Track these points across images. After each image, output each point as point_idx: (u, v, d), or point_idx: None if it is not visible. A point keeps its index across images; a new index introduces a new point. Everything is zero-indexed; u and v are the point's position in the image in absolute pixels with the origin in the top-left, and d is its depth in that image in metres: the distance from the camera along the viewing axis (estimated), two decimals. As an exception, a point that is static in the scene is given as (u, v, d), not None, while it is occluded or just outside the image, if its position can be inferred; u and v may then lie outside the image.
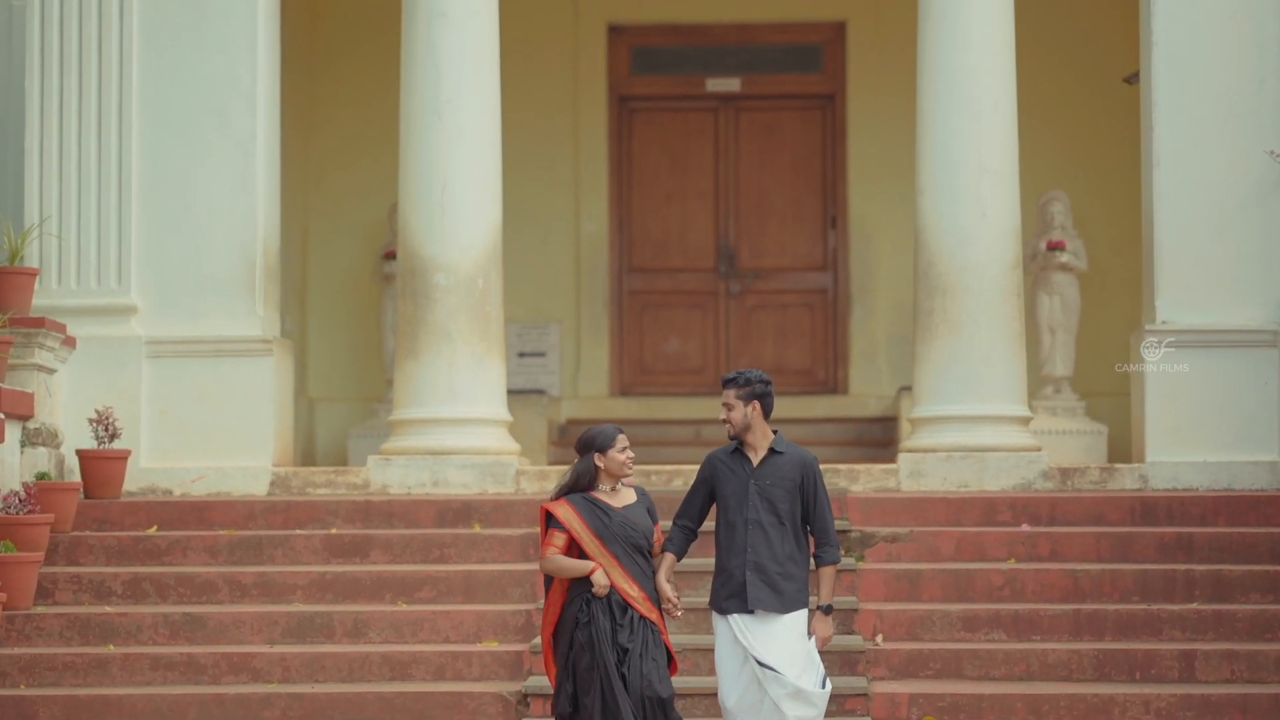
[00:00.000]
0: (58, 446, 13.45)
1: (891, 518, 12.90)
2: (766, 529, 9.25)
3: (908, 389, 15.23)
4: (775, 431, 9.42)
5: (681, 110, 17.93)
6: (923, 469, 13.65)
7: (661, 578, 9.36)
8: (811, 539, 9.41)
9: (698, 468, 13.58)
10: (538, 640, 11.64)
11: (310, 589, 12.36)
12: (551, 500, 9.43)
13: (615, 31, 17.86)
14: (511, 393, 14.87)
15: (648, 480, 13.63)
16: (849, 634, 11.76)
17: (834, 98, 17.77)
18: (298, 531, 12.89)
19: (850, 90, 17.66)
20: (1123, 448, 15.63)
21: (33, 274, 13.43)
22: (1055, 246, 16.11)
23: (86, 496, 13.31)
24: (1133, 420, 14.10)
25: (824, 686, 9.24)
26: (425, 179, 13.77)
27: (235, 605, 12.31)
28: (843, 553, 12.42)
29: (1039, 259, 16.18)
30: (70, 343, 13.62)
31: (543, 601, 9.66)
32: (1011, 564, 12.44)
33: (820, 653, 9.36)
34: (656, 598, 9.39)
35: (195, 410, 13.85)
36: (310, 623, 12.03)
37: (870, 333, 17.64)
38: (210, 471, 13.79)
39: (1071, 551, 12.55)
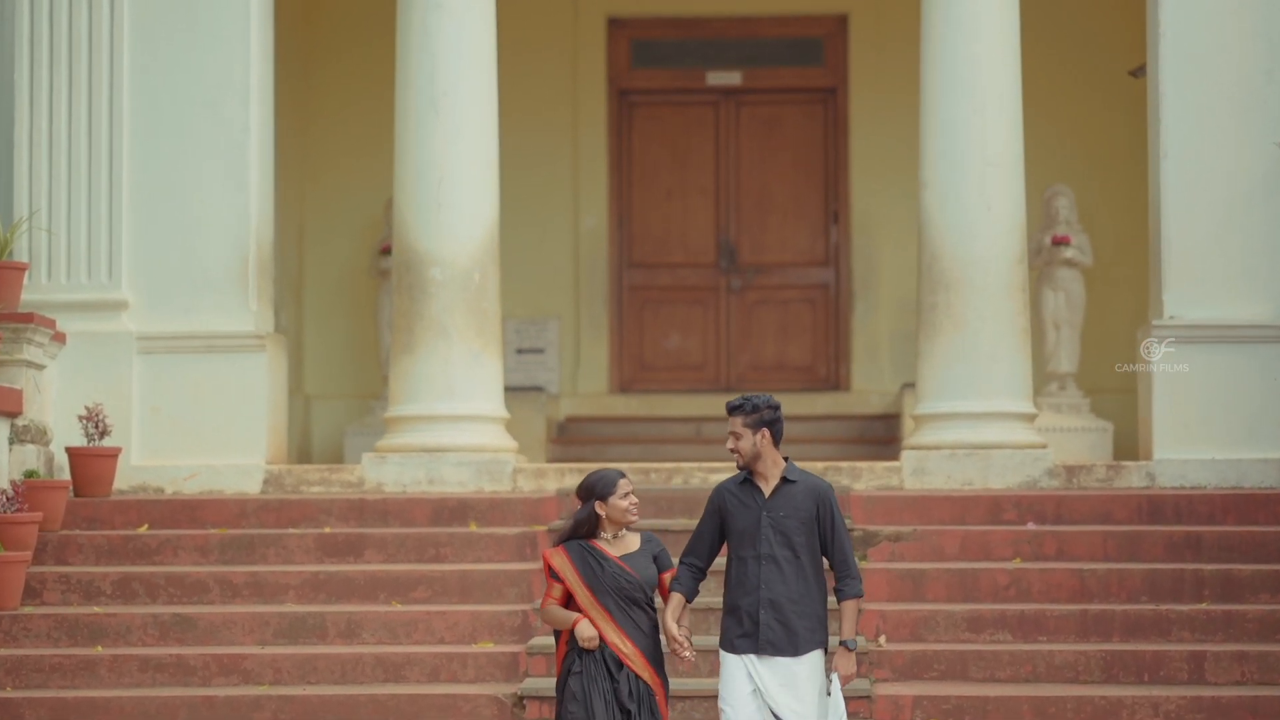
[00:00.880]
0: (47, 444, 13.32)
1: (895, 516, 12.77)
2: (781, 564, 8.77)
3: (910, 386, 15.13)
4: (786, 459, 8.94)
5: (682, 104, 17.83)
6: (926, 466, 13.51)
7: (669, 618, 8.85)
8: (830, 571, 8.93)
9: (696, 468, 13.72)
10: (534, 641, 11.52)
11: (303, 589, 12.22)
12: (552, 546, 9.08)
13: (615, 24, 17.77)
14: (510, 390, 14.75)
15: (647, 479, 13.51)
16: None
17: (836, 91, 17.66)
18: (290, 530, 12.77)
19: (852, 84, 17.56)
20: (1128, 445, 15.49)
21: (22, 268, 13.28)
22: (1060, 241, 16.02)
23: (76, 495, 13.19)
24: (1139, 417, 13.96)
25: None
26: (421, 172, 13.62)
27: (226, 605, 12.16)
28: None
29: (1043, 254, 16.08)
30: (60, 338, 13.50)
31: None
32: (1017, 563, 12.29)
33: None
34: (654, 654, 8.89)
35: (187, 407, 13.73)
36: (302, 623, 11.88)
37: (872, 329, 17.54)
38: (202, 469, 13.67)
39: (1078, 551, 12.40)
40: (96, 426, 13.17)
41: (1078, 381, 16.26)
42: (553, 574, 8.92)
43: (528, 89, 17.04)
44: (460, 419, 13.65)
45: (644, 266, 17.77)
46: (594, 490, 8.94)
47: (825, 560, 8.93)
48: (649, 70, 17.84)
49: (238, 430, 13.71)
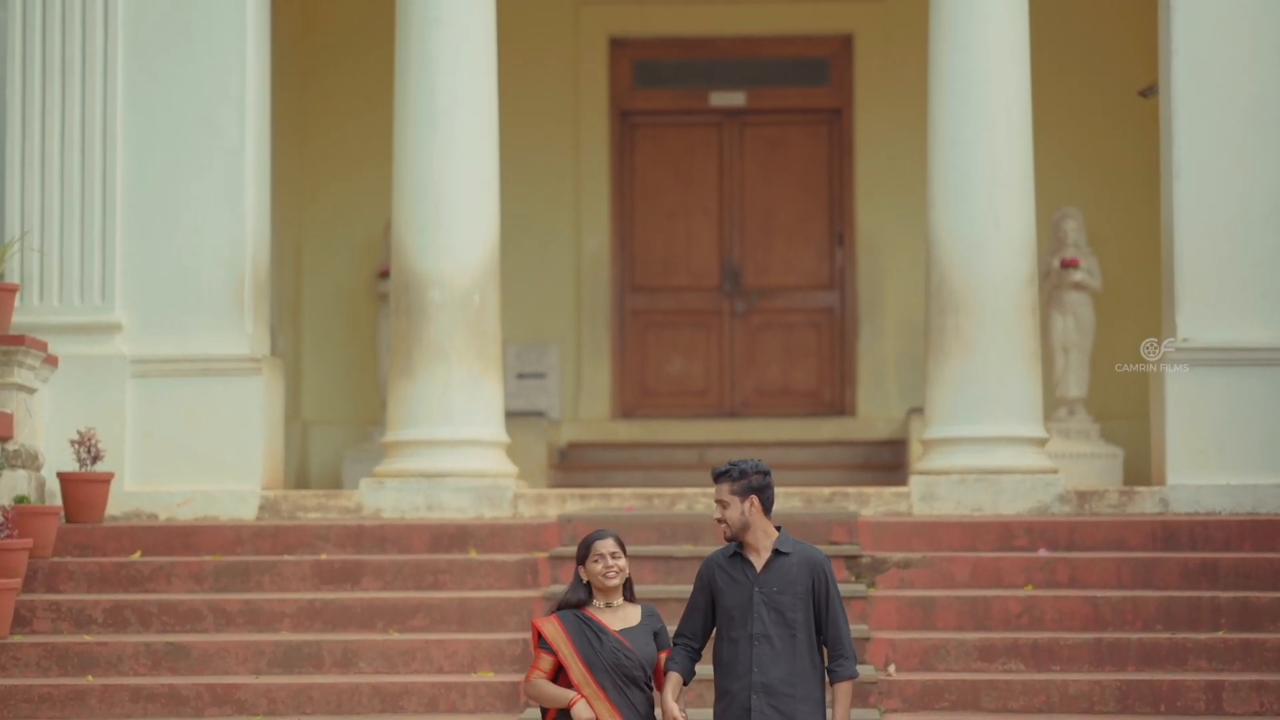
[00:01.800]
0: (38, 469, 13.13)
1: (904, 542, 12.56)
2: (775, 643, 8.08)
3: (917, 411, 15.00)
4: (779, 528, 8.24)
5: (685, 125, 17.69)
6: (935, 492, 13.29)
7: (668, 695, 8.16)
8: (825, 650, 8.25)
9: (700, 494, 13.52)
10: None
11: (298, 617, 12.00)
12: (544, 615, 8.50)
13: (617, 44, 17.64)
14: (510, 415, 14.56)
15: (649, 505, 13.33)
16: (860, 664, 11.36)
17: (841, 112, 17.52)
18: (286, 557, 12.56)
19: (858, 104, 17.41)
20: (1138, 472, 15.32)
21: (12, 290, 13.11)
22: (1069, 264, 15.86)
23: (68, 521, 12.99)
24: (1152, 441, 13.76)
25: None
26: (420, 190, 13.43)
27: (220, 634, 11.94)
28: (853, 579, 12.10)
29: (1052, 277, 15.92)
30: (52, 361, 13.31)
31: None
32: (1029, 591, 12.07)
33: None
34: None
35: (181, 431, 13.53)
36: (298, 652, 11.66)
37: (879, 353, 17.37)
38: (196, 495, 13.46)
39: (1091, 578, 12.19)
40: (89, 451, 12.98)
41: (1087, 407, 16.10)
42: (543, 644, 8.18)
43: (529, 108, 16.90)
44: (460, 444, 13.44)
45: (646, 289, 17.61)
46: (578, 554, 8.28)
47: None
48: (652, 91, 17.70)
49: (233, 455, 13.50)
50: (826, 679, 8.23)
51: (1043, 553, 12.42)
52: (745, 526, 8.17)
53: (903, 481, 14.22)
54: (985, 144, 13.34)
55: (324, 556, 12.58)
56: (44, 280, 13.54)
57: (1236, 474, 13.23)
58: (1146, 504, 13.27)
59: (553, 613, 8.30)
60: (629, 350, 17.58)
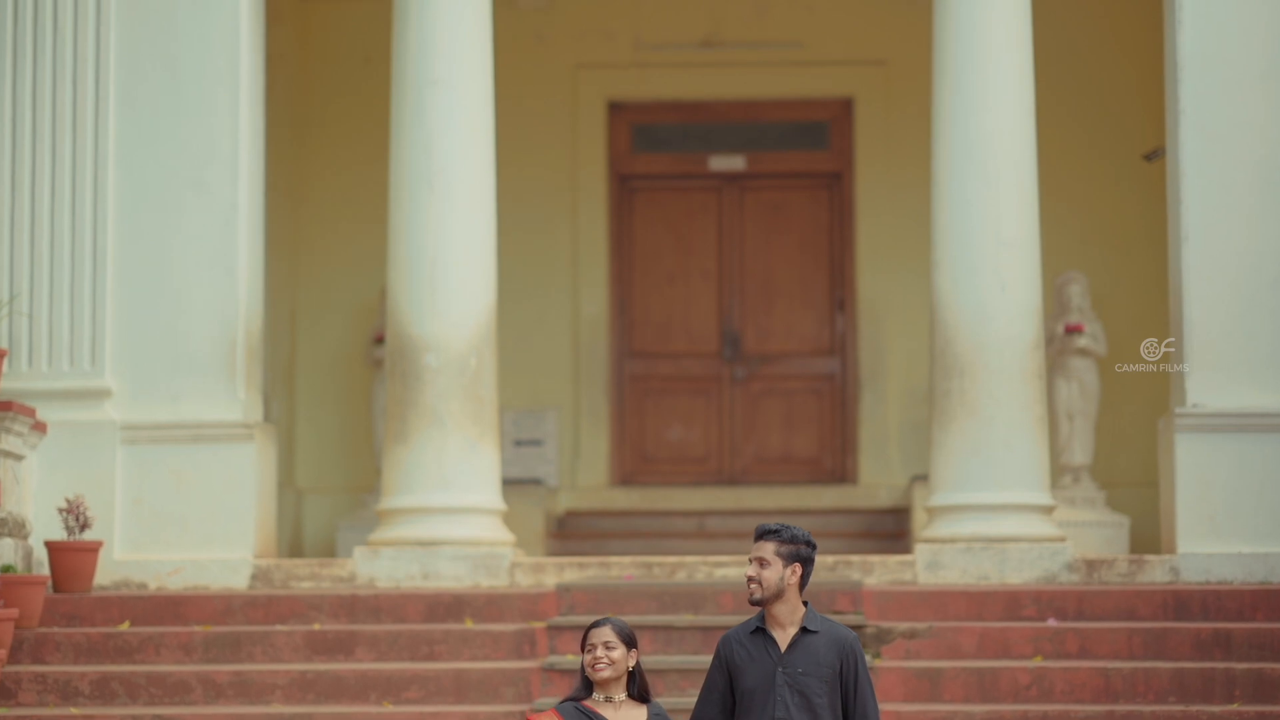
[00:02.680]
0: (25, 537, 12.92)
1: (909, 612, 12.31)
2: None
3: (921, 478, 14.79)
4: (806, 604, 7.63)
5: (684, 189, 17.56)
6: (941, 560, 13.06)
7: None
8: None
9: (700, 562, 13.29)
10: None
11: (290, 689, 11.74)
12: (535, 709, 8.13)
13: (616, 108, 17.52)
14: (507, 483, 14.38)
15: (649, 573, 13.11)
16: (866, 737, 11.11)
17: (842, 176, 17.38)
18: (278, 627, 12.31)
19: (859, 168, 17.29)
20: (1145, 540, 15.13)
21: (0, 355, 12.90)
22: (1073, 330, 15.69)
23: (55, 590, 12.76)
24: (1161, 508, 13.54)
25: None
26: (415, 252, 13.26)
27: (210, 706, 11.67)
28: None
29: (1056, 342, 15.74)
30: (40, 427, 13.12)
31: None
32: (1038, 661, 11.82)
33: None
34: None
35: (172, 499, 13.33)
36: (290, 725, 11.42)
37: (881, 420, 17.18)
38: (187, 564, 13.25)
39: (1102, 648, 11.93)
40: (77, 519, 12.78)
41: (1092, 474, 15.91)
42: None
43: (526, 172, 16.81)
44: (456, 511, 13.24)
45: (645, 355, 17.44)
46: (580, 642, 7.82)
47: None
48: (650, 155, 17.58)
49: (224, 523, 13.31)
50: None
51: (1051, 622, 12.18)
52: (779, 594, 7.56)
53: (906, 550, 14.02)
54: (990, 202, 13.17)
55: (317, 626, 12.34)
56: (33, 345, 13.37)
57: (1248, 542, 13.01)
58: (1156, 573, 13.04)
59: (554, 707, 7.78)
60: (628, 417, 17.40)
